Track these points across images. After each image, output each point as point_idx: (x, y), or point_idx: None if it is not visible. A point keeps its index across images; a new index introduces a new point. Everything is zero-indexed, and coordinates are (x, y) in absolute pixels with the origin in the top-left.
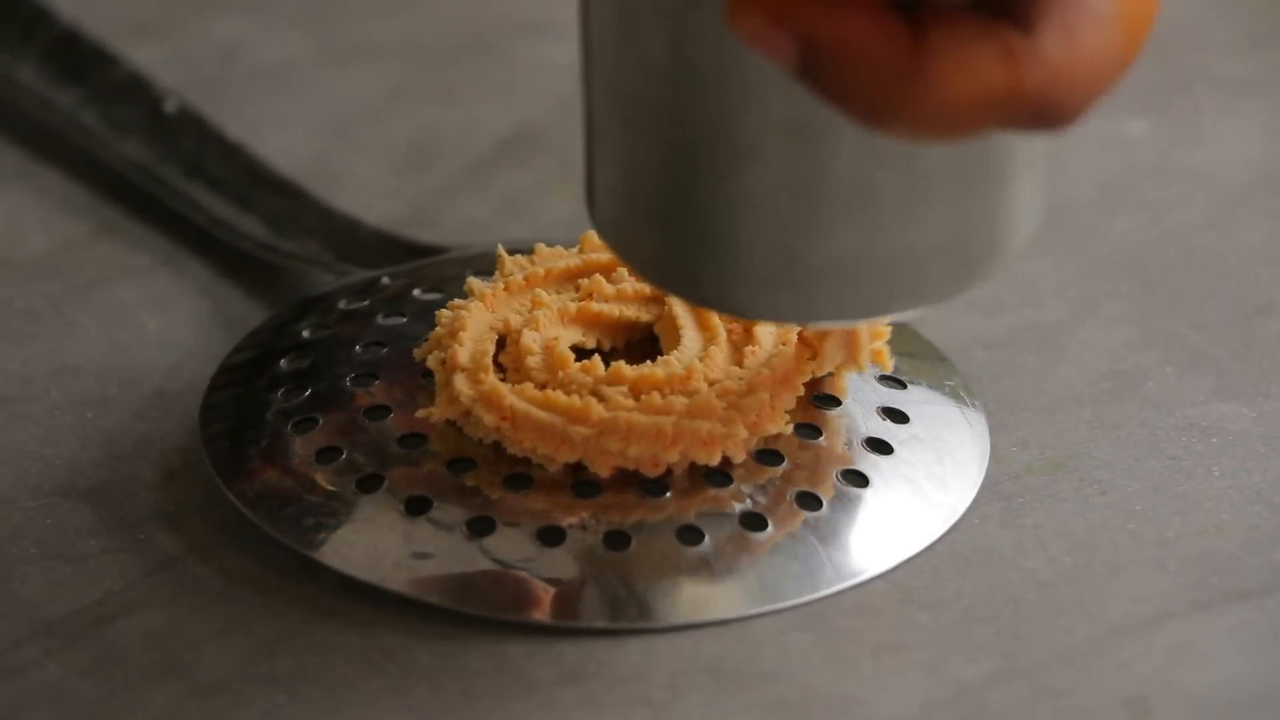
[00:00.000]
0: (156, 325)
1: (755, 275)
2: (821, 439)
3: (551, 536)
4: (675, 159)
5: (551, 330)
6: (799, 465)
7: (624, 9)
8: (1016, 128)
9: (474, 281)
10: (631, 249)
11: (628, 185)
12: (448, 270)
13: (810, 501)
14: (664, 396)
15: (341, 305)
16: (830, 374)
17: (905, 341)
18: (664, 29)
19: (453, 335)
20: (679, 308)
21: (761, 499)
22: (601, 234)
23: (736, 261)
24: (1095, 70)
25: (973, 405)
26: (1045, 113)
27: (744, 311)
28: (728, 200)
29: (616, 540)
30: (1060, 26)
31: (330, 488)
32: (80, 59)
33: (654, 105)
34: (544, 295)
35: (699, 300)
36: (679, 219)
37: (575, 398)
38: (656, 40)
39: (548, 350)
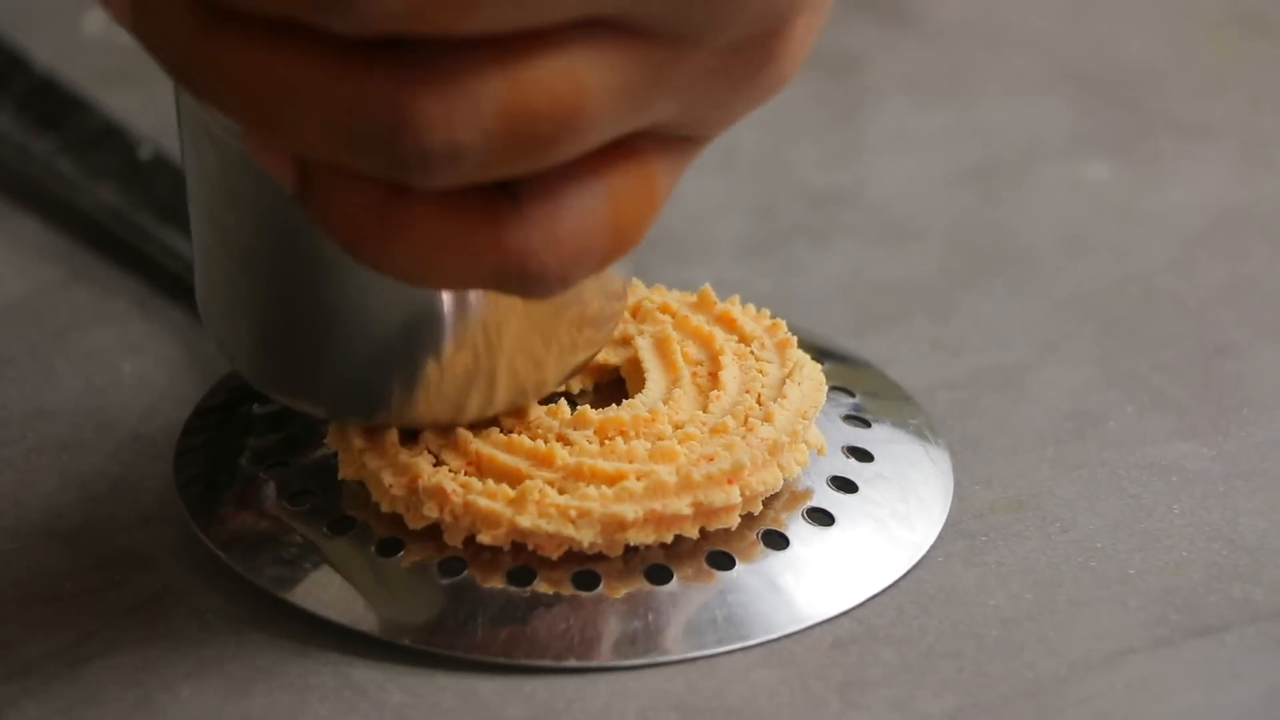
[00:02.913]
0: (131, 369)
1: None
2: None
3: (522, 576)
4: (228, 258)
5: None
6: (765, 504)
7: (192, 126)
8: (504, 288)
9: None
10: (234, 356)
11: (221, 289)
12: None
13: (776, 540)
14: (627, 441)
15: None
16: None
17: (870, 381)
18: (211, 145)
19: None
20: (644, 351)
21: (728, 538)
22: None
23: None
24: (577, 239)
25: (937, 444)
26: (528, 273)
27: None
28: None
29: (585, 580)
30: (544, 194)
31: (303, 530)
32: (56, 106)
33: (209, 209)
34: None
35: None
36: (244, 317)
37: (540, 442)
38: (207, 154)
39: None
